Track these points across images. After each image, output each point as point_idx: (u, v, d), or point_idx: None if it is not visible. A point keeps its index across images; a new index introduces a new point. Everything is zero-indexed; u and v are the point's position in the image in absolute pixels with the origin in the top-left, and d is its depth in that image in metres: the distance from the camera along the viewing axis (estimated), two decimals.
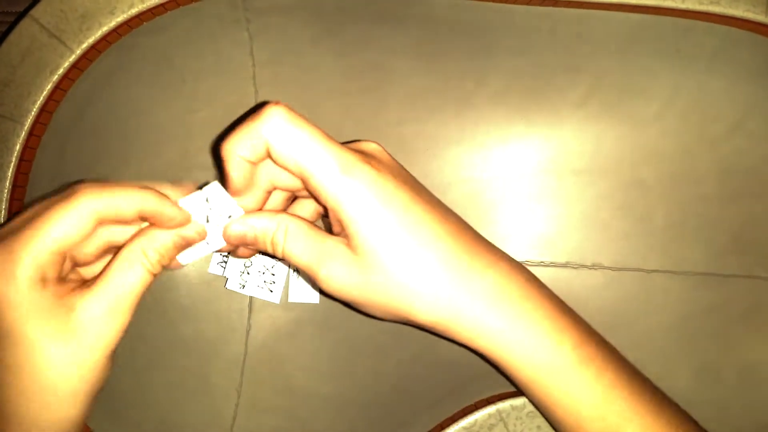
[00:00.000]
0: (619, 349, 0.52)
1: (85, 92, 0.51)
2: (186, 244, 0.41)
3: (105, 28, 0.49)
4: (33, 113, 0.49)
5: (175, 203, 0.41)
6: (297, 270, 0.54)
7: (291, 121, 0.39)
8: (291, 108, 0.39)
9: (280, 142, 0.38)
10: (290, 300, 0.54)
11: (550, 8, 0.50)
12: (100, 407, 0.49)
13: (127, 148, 0.53)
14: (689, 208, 0.52)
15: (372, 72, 0.53)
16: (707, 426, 0.50)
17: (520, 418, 0.49)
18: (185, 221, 0.41)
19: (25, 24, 0.49)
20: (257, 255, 0.54)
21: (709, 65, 0.51)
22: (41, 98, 0.49)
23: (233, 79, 0.53)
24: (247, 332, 0.54)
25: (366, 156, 0.41)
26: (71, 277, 0.41)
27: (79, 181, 0.39)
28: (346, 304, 0.43)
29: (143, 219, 0.40)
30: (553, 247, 0.53)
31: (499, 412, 0.49)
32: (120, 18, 0.49)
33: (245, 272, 0.54)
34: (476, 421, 0.50)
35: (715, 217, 0.52)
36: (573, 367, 0.41)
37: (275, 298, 0.54)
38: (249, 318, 0.54)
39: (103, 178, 0.40)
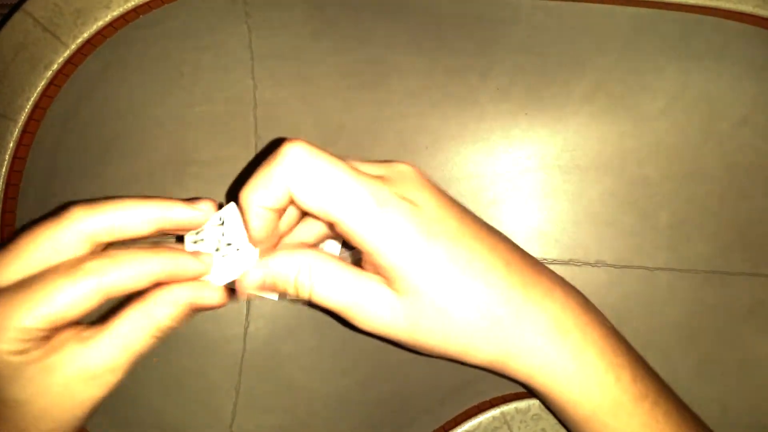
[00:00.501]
0: None
1: (79, 88, 0.50)
2: (202, 309, 0.38)
3: (100, 23, 0.48)
4: (26, 110, 0.48)
5: (193, 255, 0.38)
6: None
7: (312, 157, 0.35)
8: (310, 144, 0.36)
9: (302, 187, 0.35)
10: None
11: (556, 2, 0.49)
12: None
13: (123, 144, 0.52)
14: (695, 204, 0.52)
15: (373, 67, 0.52)
16: (710, 425, 0.49)
17: (525, 421, 0.49)
18: (202, 274, 0.38)
19: (18, 18, 0.47)
20: None
21: (717, 61, 0.50)
22: (35, 95, 0.48)
23: (231, 73, 0.52)
24: (246, 330, 0.53)
25: (399, 183, 0.38)
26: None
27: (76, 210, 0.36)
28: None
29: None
30: (557, 244, 0.53)
31: (503, 414, 0.49)
32: (116, 12, 0.48)
33: None
34: (480, 423, 0.49)
35: (721, 213, 0.52)
36: (631, 404, 0.39)
37: (273, 295, 0.53)
38: (247, 315, 0.54)
39: (97, 190, 0.38)
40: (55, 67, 0.48)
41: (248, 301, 0.54)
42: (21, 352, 0.34)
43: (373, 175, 0.37)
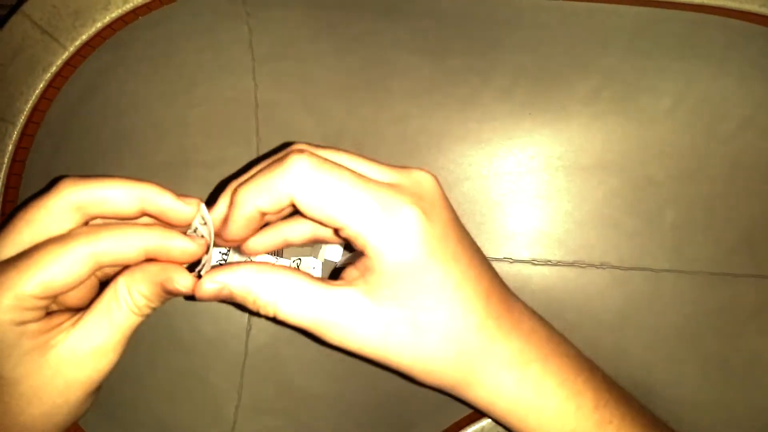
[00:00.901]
0: (626, 349, 0.51)
1: (79, 90, 0.50)
2: (173, 293, 0.38)
3: (99, 24, 0.47)
4: (25, 113, 0.48)
5: (182, 236, 0.38)
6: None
7: (317, 171, 0.35)
8: (316, 155, 0.36)
9: (307, 195, 0.35)
10: None
11: (560, 2, 0.49)
12: (95, 410, 0.48)
13: (123, 146, 0.52)
14: (699, 206, 0.51)
15: (375, 67, 0.51)
16: (715, 427, 0.49)
17: None
18: (193, 257, 0.38)
19: (16, 20, 0.47)
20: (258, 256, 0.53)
21: (721, 61, 0.50)
22: (34, 97, 0.48)
23: (232, 74, 0.52)
24: (247, 332, 0.53)
25: (413, 191, 0.37)
26: (56, 308, 0.39)
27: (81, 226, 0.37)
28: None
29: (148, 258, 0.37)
30: (561, 245, 0.52)
31: None
32: (114, 13, 0.47)
33: None
34: (483, 428, 0.49)
35: (726, 215, 0.51)
36: (593, 431, 0.40)
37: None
38: (249, 317, 0.53)
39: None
40: (53, 69, 0.48)
41: None
42: (19, 323, 0.35)
43: (384, 182, 0.37)
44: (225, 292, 0.37)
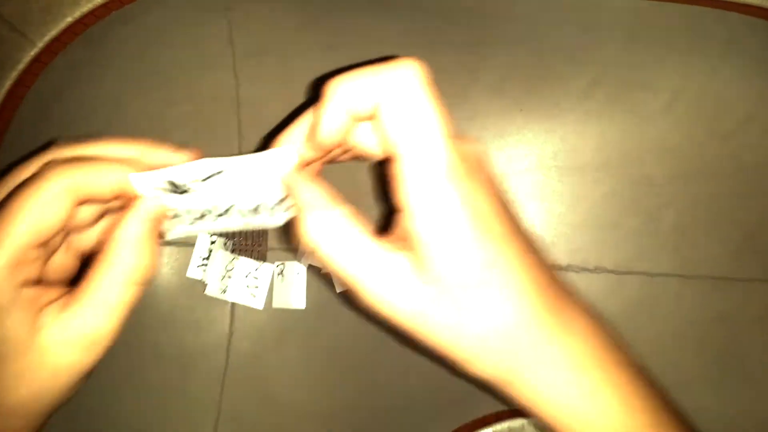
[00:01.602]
0: None
1: (50, 87, 0.49)
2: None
3: (69, 19, 0.46)
4: None
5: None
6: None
7: (423, 85, 0.32)
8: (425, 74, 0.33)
9: (398, 102, 0.32)
10: (274, 305, 0.52)
11: None
12: (68, 423, 0.47)
13: None
14: (700, 206, 0.50)
15: (360, 63, 0.50)
16: None
17: None
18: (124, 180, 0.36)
19: None
20: (239, 258, 0.51)
21: (720, 55, 0.49)
22: (1, 95, 0.46)
23: (212, 71, 0.51)
24: (229, 341, 0.52)
25: (470, 163, 0.34)
26: (52, 276, 0.37)
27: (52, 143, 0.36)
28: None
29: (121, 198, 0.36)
30: (554, 249, 0.51)
31: (510, 430, 0.47)
32: (85, 8, 0.46)
33: (226, 276, 0.51)
34: None
35: (728, 216, 0.50)
36: None
37: (258, 303, 0.51)
38: (231, 325, 0.52)
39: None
40: (20, 66, 0.46)
41: (232, 311, 0.52)
42: (14, 285, 0.33)
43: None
44: (298, 187, 0.35)
